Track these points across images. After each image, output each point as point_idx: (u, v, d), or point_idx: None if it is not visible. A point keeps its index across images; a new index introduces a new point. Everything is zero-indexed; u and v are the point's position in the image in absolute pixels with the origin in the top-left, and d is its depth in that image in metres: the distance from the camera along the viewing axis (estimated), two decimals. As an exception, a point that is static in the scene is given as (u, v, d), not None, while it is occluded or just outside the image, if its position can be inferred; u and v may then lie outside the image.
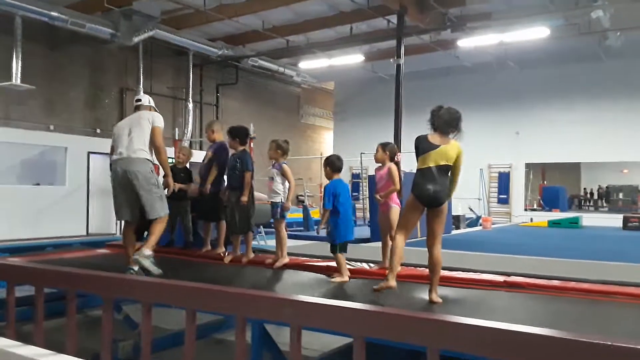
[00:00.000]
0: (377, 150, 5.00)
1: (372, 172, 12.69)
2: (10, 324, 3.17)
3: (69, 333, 2.92)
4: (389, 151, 5.00)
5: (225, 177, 5.73)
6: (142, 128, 4.64)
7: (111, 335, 2.85)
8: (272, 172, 5.21)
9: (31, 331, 3.10)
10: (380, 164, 5.03)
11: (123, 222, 4.91)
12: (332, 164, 4.63)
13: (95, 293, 3.60)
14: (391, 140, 9.98)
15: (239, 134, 5.47)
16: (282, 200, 5.14)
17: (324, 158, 4.96)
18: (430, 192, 3.61)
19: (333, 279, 4.54)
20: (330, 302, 2.43)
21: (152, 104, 5.07)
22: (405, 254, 4.90)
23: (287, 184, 5.16)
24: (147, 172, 4.58)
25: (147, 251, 4.46)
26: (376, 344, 2.47)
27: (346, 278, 4.51)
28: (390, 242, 4.91)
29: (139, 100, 5.07)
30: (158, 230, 4.63)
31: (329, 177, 4.67)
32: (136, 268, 4.49)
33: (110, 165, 4.76)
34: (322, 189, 4.79)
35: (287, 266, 5.03)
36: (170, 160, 13.16)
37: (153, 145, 4.66)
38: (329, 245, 4.61)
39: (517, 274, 4.47)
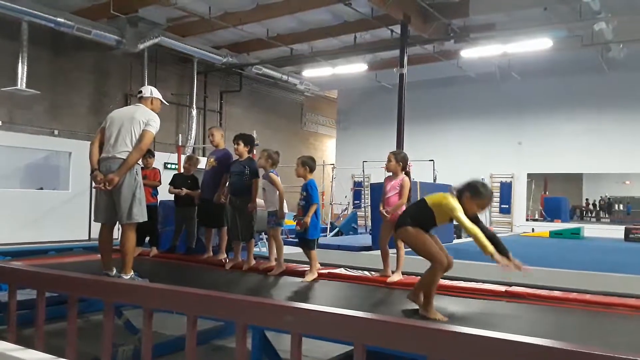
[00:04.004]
0: (389, 160, 4.94)
1: (374, 180, 12.73)
2: (11, 328, 3.17)
3: (70, 337, 2.92)
4: (402, 161, 4.94)
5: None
6: (132, 129, 4.41)
7: (112, 340, 2.86)
8: (263, 182, 5.26)
9: (32, 335, 3.10)
10: (391, 174, 4.98)
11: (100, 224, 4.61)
12: (311, 166, 4.89)
13: (96, 297, 3.60)
14: (394, 149, 9.98)
15: (251, 142, 5.56)
16: (277, 209, 5.18)
17: (300, 159, 4.95)
18: None
19: (305, 279, 4.71)
20: (331, 309, 2.43)
21: (156, 94, 4.76)
22: (407, 263, 4.92)
23: (277, 193, 5.19)
24: (128, 172, 4.39)
25: (126, 277, 4.38)
26: (377, 352, 2.47)
27: (316, 274, 4.78)
28: (388, 250, 4.96)
29: (140, 92, 4.79)
30: (131, 243, 4.43)
31: (305, 177, 4.85)
32: (112, 273, 4.48)
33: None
34: (303, 187, 4.91)
35: (286, 273, 5.03)
36: (173, 166, 13.07)
37: (136, 143, 4.40)
38: (303, 242, 4.81)
39: (518, 284, 4.46)
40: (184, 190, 6.17)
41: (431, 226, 3.67)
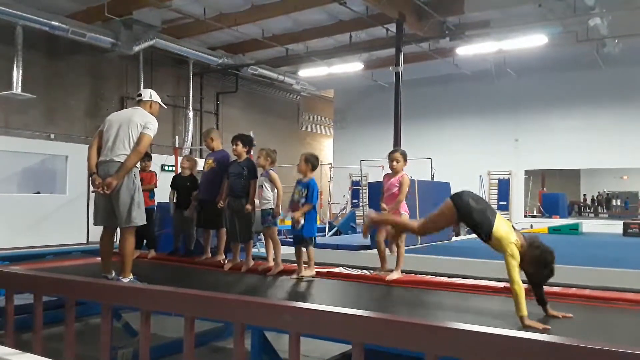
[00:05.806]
0: (397, 160, 4.99)
1: (371, 179, 12.71)
2: (9, 332, 3.16)
3: (68, 341, 2.91)
4: (406, 159, 5.06)
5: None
6: (130, 131, 4.40)
7: (110, 343, 2.85)
8: (261, 180, 5.30)
9: (30, 339, 3.09)
10: (391, 171, 5.04)
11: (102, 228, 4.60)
12: (313, 164, 4.93)
13: (92, 300, 3.59)
14: (391, 147, 9.99)
15: (250, 142, 5.57)
16: (273, 207, 5.19)
17: (304, 155, 5.01)
18: None
19: (303, 276, 4.72)
20: (329, 308, 2.43)
21: (155, 98, 4.77)
22: (406, 261, 4.92)
23: (275, 190, 5.22)
24: (127, 176, 4.38)
25: (125, 280, 4.35)
26: (375, 351, 2.46)
27: (314, 272, 4.80)
28: (385, 248, 4.96)
29: (140, 95, 4.81)
30: (130, 246, 4.41)
31: (306, 174, 4.88)
32: (110, 276, 4.47)
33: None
34: (303, 185, 4.94)
35: (284, 273, 5.02)
36: (170, 168, 13.02)
37: (134, 146, 4.39)
38: (300, 240, 4.83)
39: (518, 281, 4.45)
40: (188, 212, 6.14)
41: (478, 235, 3.41)
